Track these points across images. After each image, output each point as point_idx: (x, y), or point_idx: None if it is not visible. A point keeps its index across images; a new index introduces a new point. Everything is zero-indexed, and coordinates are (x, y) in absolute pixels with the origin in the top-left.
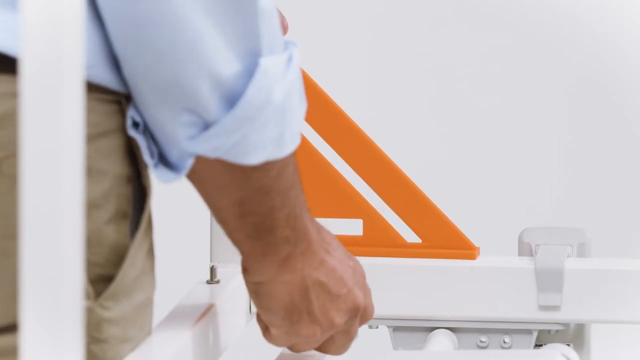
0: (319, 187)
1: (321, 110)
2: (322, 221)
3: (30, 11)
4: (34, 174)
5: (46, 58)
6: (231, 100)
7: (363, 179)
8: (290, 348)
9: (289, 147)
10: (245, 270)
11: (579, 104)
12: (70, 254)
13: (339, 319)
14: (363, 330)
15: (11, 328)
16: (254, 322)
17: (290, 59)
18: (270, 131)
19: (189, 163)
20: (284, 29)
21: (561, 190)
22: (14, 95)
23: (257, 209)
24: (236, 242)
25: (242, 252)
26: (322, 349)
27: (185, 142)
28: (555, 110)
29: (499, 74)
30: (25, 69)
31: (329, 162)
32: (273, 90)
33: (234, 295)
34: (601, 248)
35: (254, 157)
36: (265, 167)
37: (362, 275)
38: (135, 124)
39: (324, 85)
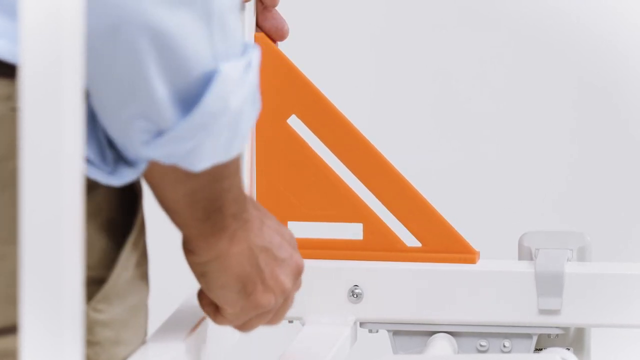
0: (319, 191)
1: (321, 114)
2: (323, 225)
3: (30, 14)
4: (34, 175)
5: (45, 62)
6: (187, 106)
7: (363, 183)
8: (242, 327)
9: (236, 150)
10: (190, 252)
11: (579, 108)
12: (71, 256)
13: (288, 282)
14: (363, 335)
15: (7, 330)
16: None
17: (249, 64)
18: (223, 138)
19: (144, 165)
20: (284, 33)
21: (561, 194)
22: (5, 99)
23: (209, 194)
24: (183, 226)
25: (190, 235)
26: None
27: (139, 147)
28: (556, 114)
29: (500, 78)
30: (25, 72)
31: (329, 166)
32: (230, 97)
33: None
34: (601, 252)
35: (204, 164)
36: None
37: (292, 236)
38: None
39: (323, 89)
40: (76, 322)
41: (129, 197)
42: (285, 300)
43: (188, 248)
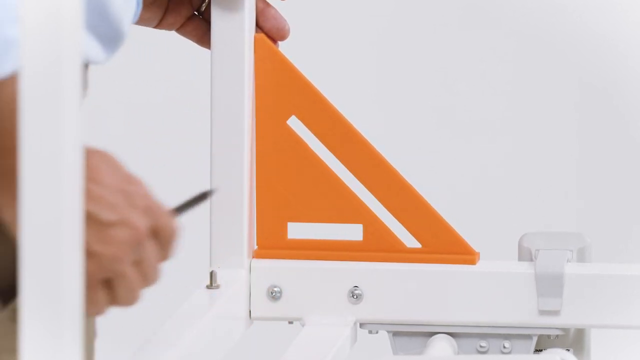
0: (319, 192)
1: (321, 115)
2: (323, 226)
3: (30, 14)
4: (34, 176)
5: (45, 62)
6: None
7: (363, 183)
8: (92, 307)
9: None
10: None
11: (580, 109)
12: (70, 257)
13: (117, 248)
14: (363, 335)
15: None
16: (253, 327)
17: None
18: None
19: None
20: (285, 33)
21: (561, 194)
22: None
23: None
24: None
25: None
26: (114, 297)
27: None
28: (557, 114)
29: (501, 79)
30: (25, 72)
31: (329, 167)
32: None
33: (234, 300)
34: (601, 253)
35: None
36: None
37: (144, 197)
38: None
39: (323, 90)
40: (76, 323)
41: None
42: (137, 265)
43: None
